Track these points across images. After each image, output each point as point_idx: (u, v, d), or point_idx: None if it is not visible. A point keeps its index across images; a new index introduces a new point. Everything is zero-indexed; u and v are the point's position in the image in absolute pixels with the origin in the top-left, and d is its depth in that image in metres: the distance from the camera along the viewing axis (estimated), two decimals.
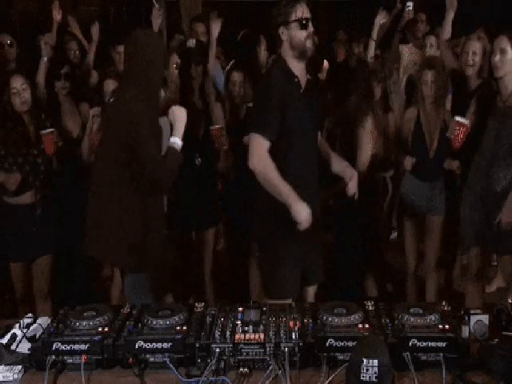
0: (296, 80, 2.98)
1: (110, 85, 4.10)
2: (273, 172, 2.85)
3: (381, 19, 5.10)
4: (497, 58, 3.47)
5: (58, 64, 4.33)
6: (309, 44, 2.94)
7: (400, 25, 5.92)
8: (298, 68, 2.99)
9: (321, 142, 3.25)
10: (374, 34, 5.12)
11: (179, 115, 3.03)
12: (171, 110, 3.05)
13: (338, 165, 3.21)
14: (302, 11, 2.93)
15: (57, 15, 5.44)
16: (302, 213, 2.80)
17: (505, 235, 3.51)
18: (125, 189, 2.96)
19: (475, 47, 4.16)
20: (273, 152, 2.91)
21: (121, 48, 4.83)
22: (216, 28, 4.47)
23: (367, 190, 3.95)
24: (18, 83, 3.70)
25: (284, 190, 2.84)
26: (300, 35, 2.93)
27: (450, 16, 4.49)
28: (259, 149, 2.88)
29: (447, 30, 4.57)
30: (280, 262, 2.99)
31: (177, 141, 2.98)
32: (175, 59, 4.22)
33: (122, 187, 2.96)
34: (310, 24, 2.94)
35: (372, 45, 5.05)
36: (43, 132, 3.73)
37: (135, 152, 2.88)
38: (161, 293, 3.18)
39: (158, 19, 4.60)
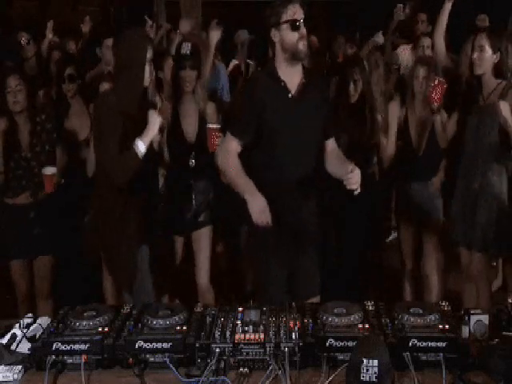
0: (283, 84, 2.88)
1: (105, 87, 4.10)
2: (236, 175, 2.85)
3: (378, 41, 5.21)
4: (475, 55, 3.52)
5: (61, 65, 4.32)
6: (301, 46, 2.82)
7: (391, 27, 5.93)
8: (288, 72, 2.89)
9: (332, 151, 3.06)
10: (369, 47, 5.22)
11: (152, 121, 3.04)
12: (149, 112, 3.08)
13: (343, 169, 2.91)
14: (293, 12, 2.81)
15: (49, 34, 5.49)
16: (254, 205, 2.74)
17: (480, 232, 3.57)
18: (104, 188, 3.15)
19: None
20: (257, 154, 2.91)
21: (109, 41, 4.85)
22: (215, 37, 4.53)
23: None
24: (13, 83, 3.69)
25: (240, 182, 2.82)
26: (292, 37, 2.82)
27: (448, 8, 4.45)
28: (227, 149, 2.90)
29: (442, 24, 4.51)
30: (266, 270, 2.94)
31: (139, 144, 2.98)
32: (170, 61, 4.19)
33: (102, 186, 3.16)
34: (303, 25, 2.82)
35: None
36: (44, 173, 3.67)
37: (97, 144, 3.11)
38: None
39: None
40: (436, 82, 3.78)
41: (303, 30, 2.82)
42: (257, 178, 2.85)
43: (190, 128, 3.94)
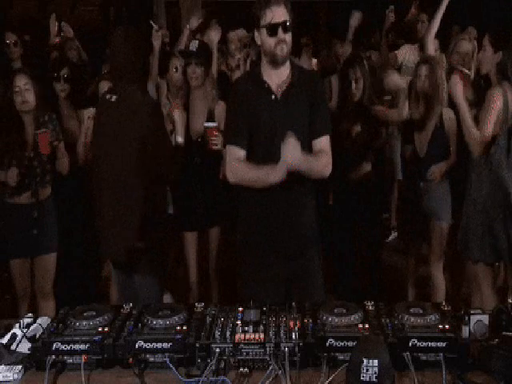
0: (266, 86, 2.79)
1: (105, 86, 4.11)
2: (247, 172, 2.75)
3: (355, 21, 5.14)
4: (479, 54, 3.56)
5: (58, 65, 4.34)
6: (279, 51, 2.72)
7: (384, 28, 5.92)
8: (272, 73, 2.80)
9: (320, 150, 2.84)
10: (350, 35, 5.15)
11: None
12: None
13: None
14: (271, 16, 2.69)
15: (54, 23, 5.51)
16: (282, 170, 2.59)
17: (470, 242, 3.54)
18: (137, 185, 3.13)
19: (467, 48, 4.19)
20: (248, 158, 2.81)
21: None
22: (216, 36, 4.56)
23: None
24: (21, 82, 3.71)
25: (258, 173, 2.71)
26: (270, 42, 2.72)
27: (441, 13, 4.54)
28: (233, 160, 2.80)
29: (434, 28, 4.60)
30: (257, 278, 2.86)
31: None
32: (175, 62, 4.25)
33: (135, 183, 3.13)
34: (281, 30, 2.70)
35: (348, 46, 5.11)
36: (38, 131, 3.72)
37: (150, 144, 3.08)
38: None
39: (157, 40, 4.49)
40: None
41: (281, 35, 2.71)
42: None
43: (197, 126, 3.99)
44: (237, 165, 2.80)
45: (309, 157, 2.72)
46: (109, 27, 9.33)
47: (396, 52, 5.70)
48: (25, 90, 3.70)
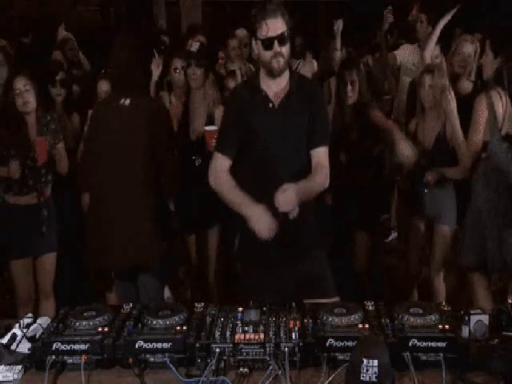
0: (264, 94, 2.74)
1: (104, 85, 4.12)
2: (228, 191, 2.72)
3: (338, 29, 5.15)
4: (482, 59, 3.55)
5: (55, 69, 4.34)
6: (275, 64, 2.65)
7: (383, 29, 5.92)
8: (270, 82, 2.74)
9: (317, 164, 2.76)
10: (338, 44, 5.15)
11: None
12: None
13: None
14: (267, 30, 2.60)
15: (62, 32, 5.55)
16: (255, 219, 2.56)
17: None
18: (147, 188, 3.21)
19: (470, 49, 4.19)
20: (245, 167, 2.81)
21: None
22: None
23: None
24: (20, 84, 3.71)
25: (235, 199, 2.69)
26: (266, 55, 2.65)
27: (442, 25, 4.57)
28: (217, 168, 2.79)
29: (434, 38, 4.64)
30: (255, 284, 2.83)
31: None
32: (175, 63, 4.26)
33: (144, 187, 3.20)
34: (277, 43, 2.61)
35: (337, 54, 5.11)
36: (36, 138, 3.71)
37: (163, 146, 3.20)
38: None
39: (157, 70, 4.51)
40: None
41: (277, 48, 2.63)
42: (246, 192, 2.73)
43: (196, 127, 4.01)
44: (221, 176, 2.77)
45: (305, 187, 2.63)
46: (109, 27, 9.35)
47: (395, 52, 5.69)
48: (25, 91, 3.71)
